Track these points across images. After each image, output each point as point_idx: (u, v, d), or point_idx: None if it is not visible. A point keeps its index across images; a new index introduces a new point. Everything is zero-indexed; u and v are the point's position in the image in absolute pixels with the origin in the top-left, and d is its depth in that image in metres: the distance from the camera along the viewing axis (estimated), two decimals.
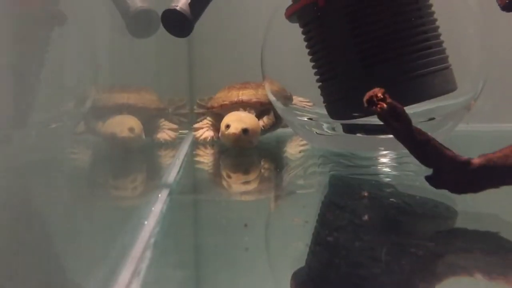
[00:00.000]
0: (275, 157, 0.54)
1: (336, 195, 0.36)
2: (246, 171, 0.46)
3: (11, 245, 0.26)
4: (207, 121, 0.58)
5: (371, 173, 0.42)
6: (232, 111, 0.54)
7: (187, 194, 0.38)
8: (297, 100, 0.48)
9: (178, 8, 0.40)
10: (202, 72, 0.74)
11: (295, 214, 0.32)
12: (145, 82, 0.60)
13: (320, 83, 0.42)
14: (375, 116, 0.29)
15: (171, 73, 0.70)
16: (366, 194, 0.35)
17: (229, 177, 0.43)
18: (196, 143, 0.57)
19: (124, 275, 0.23)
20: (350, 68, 0.38)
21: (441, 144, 0.30)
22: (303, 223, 0.29)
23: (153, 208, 0.32)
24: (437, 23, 0.39)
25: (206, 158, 0.53)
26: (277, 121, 0.56)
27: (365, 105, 0.28)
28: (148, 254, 0.25)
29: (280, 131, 0.62)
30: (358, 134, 0.43)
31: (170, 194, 0.35)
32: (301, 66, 0.45)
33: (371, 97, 0.28)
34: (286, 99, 0.49)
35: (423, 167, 0.30)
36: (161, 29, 0.42)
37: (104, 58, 0.51)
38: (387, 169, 0.43)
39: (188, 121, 0.67)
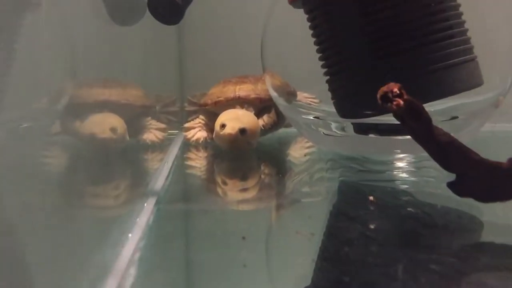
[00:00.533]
0: (276, 161, 0.54)
1: (346, 204, 0.36)
2: (244, 177, 0.46)
3: None
4: (199, 120, 0.58)
5: (386, 179, 0.42)
6: (228, 109, 0.54)
7: (177, 203, 0.38)
8: (301, 96, 0.48)
9: None
10: (194, 65, 0.74)
11: (300, 225, 0.32)
12: (129, 76, 0.60)
13: (328, 77, 0.42)
14: (391, 114, 0.29)
15: (158, 66, 0.70)
16: (372, 199, 0.35)
17: (225, 183, 0.43)
18: (187, 145, 0.57)
19: None
20: (362, 60, 0.38)
21: (465, 146, 0.30)
22: (309, 236, 0.29)
23: (138, 219, 0.31)
24: (461, 9, 0.39)
25: (198, 162, 0.53)
26: (279, 120, 0.56)
27: (379, 102, 0.28)
28: (132, 271, 0.25)
29: (282, 131, 0.61)
30: (371, 135, 0.43)
31: (157, 203, 0.35)
32: (306, 57, 0.45)
33: (386, 93, 0.28)
34: (290, 95, 0.49)
35: (445, 173, 0.30)
36: (148, 16, 0.42)
37: (82, 49, 0.51)
38: (404, 175, 0.43)
39: (178, 120, 0.67)
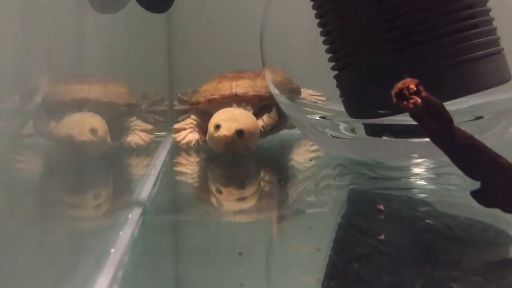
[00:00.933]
0: (278, 166, 0.54)
1: (356, 215, 0.36)
2: (241, 185, 0.46)
3: None
4: (191, 121, 0.58)
5: (401, 187, 0.42)
6: (223, 108, 0.54)
7: (165, 214, 0.38)
8: (306, 93, 0.48)
9: None
10: (185, 58, 0.74)
11: (304, 239, 0.32)
12: (111, 70, 0.60)
13: (336, 72, 0.42)
14: (407, 114, 0.29)
15: (145, 60, 0.70)
16: (382, 208, 0.35)
17: (220, 192, 0.43)
18: (177, 149, 0.57)
19: None
20: (375, 52, 0.38)
21: (491, 150, 0.29)
22: (314, 252, 0.29)
23: (121, 233, 0.31)
24: None
25: (189, 167, 0.53)
26: (281, 121, 0.56)
27: (394, 100, 0.28)
28: None
29: (284, 133, 0.61)
30: (385, 137, 0.43)
31: (143, 214, 0.35)
32: (311, 50, 0.45)
33: (402, 89, 0.28)
34: (293, 92, 0.49)
35: (468, 180, 0.30)
36: (133, 3, 0.42)
37: (59, 40, 0.51)
38: (422, 182, 0.43)
39: (166, 121, 0.67)
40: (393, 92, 0.28)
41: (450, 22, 0.37)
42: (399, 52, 0.38)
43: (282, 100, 0.49)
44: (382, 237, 0.31)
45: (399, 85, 0.28)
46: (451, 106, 0.34)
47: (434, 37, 0.37)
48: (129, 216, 0.34)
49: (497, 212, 0.30)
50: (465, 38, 0.37)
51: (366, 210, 0.37)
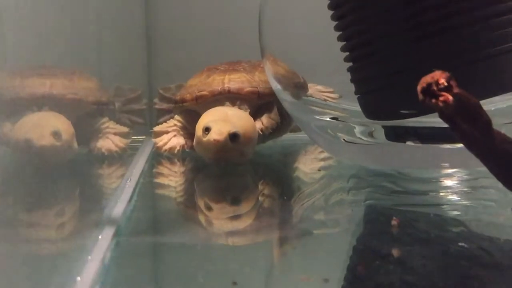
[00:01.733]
0: (280, 178, 0.54)
1: (374, 238, 0.36)
2: (235, 200, 0.46)
3: None
4: (174, 122, 0.58)
5: (429, 204, 0.42)
6: (213, 107, 0.54)
7: (144, 235, 0.37)
8: (314, 89, 0.48)
9: None
10: (167, 47, 0.74)
11: (310, 267, 0.32)
12: (78, 61, 0.60)
13: (351, 64, 0.42)
14: (436, 114, 0.29)
15: (119, 48, 0.70)
16: (396, 222, 0.35)
17: (209, 208, 0.43)
18: (158, 156, 0.57)
19: None
20: (398, 40, 0.39)
21: None
22: (321, 283, 0.29)
23: (89, 257, 0.31)
24: None
25: (173, 179, 0.53)
26: (284, 122, 0.57)
27: (421, 97, 0.28)
28: None
29: (288, 137, 0.61)
30: (409, 143, 0.43)
31: (116, 235, 0.35)
32: (320, 37, 0.45)
33: (430, 85, 0.28)
34: (298, 88, 0.49)
35: (510, 194, 0.30)
36: None
37: (14, 27, 0.51)
38: (454, 197, 0.43)
39: (145, 122, 0.67)
40: (419, 88, 0.28)
41: (485, 5, 0.37)
42: (426, 40, 0.38)
43: (285, 97, 0.49)
44: (407, 264, 0.31)
45: (427, 79, 0.28)
46: (489, 105, 0.34)
47: (469, 22, 0.37)
48: (100, 237, 0.34)
49: None
50: (503, 24, 0.37)
51: (386, 231, 0.36)
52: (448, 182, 0.45)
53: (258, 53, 0.50)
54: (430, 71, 0.29)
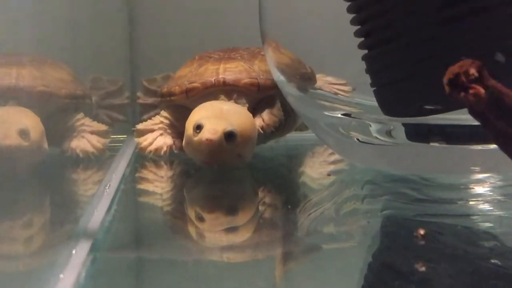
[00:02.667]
0: (283, 184, 0.54)
1: (393, 253, 0.36)
2: (231, 210, 0.46)
3: None
4: (161, 119, 0.58)
5: (457, 214, 0.42)
6: (206, 101, 0.54)
7: (125, 250, 0.37)
8: (323, 81, 0.48)
9: None
10: (152, 32, 0.74)
11: (319, 287, 0.32)
12: (49, 48, 0.60)
13: (366, 51, 0.42)
14: (465, 110, 0.29)
15: (97, 33, 0.70)
16: (422, 233, 0.35)
17: (201, 219, 0.43)
18: (142, 159, 0.57)
19: None
20: (421, 22, 0.39)
21: None
22: None
23: (61, 276, 0.31)
24: None
25: (159, 185, 0.53)
26: (288, 120, 0.57)
27: (447, 90, 0.28)
28: None
29: (292, 137, 0.61)
30: (434, 143, 0.43)
31: (93, 250, 0.35)
32: (331, 20, 0.45)
33: (458, 75, 0.28)
34: (304, 79, 0.49)
35: None
36: None
37: None
38: (485, 207, 0.43)
39: (127, 119, 0.66)
40: (445, 79, 0.28)
41: None
42: (456, 23, 0.38)
43: (289, 90, 0.49)
44: (432, 284, 0.31)
45: (455, 69, 0.28)
46: None
47: (499, 2, 0.37)
48: (73, 252, 0.34)
49: None
50: None
51: (407, 245, 0.36)
52: (479, 189, 0.45)
53: (258, 38, 0.50)
54: (459, 59, 0.29)
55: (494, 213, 0.42)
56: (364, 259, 0.35)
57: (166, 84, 0.59)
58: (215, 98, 0.55)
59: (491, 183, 0.45)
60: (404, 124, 0.44)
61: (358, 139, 0.46)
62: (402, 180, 0.47)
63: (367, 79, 0.42)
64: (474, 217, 0.41)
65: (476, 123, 0.29)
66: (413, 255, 0.35)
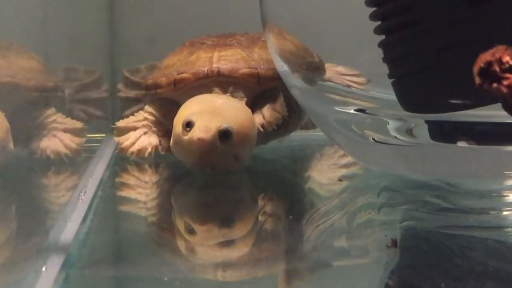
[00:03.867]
0: (287, 190, 0.54)
1: (414, 271, 0.36)
2: (226, 220, 0.46)
3: None
4: (145, 115, 0.58)
5: (488, 226, 0.42)
6: (198, 94, 0.54)
7: (102, 266, 0.37)
8: (333, 71, 0.48)
9: None
10: (135, 13, 0.74)
11: None
12: (15, 33, 0.60)
13: (383, 37, 0.42)
14: (498, 104, 0.29)
15: (71, 16, 0.70)
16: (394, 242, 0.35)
17: (191, 232, 0.43)
18: (123, 161, 0.57)
19: None
20: (446, 4, 0.38)
21: None
22: None
23: None
24: None
25: (142, 191, 0.53)
26: (292, 116, 0.57)
27: (478, 81, 0.28)
28: None
29: (298, 136, 0.61)
30: (462, 144, 0.43)
31: (66, 266, 0.35)
32: (341, 1, 0.45)
33: (490, 64, 0.28)
34: (312, 69, 0.49)
35: None
36: None
37: None
38: None
39: (105, 115, 0.66)
40: (475, 69, 0.28)
41: None
42: (488, 4, 0.38)
43: (294, 82, 0.49)
44: None
45: (486, 57, 0.28)
46: None
47: None
48: (44, 269, 0.34)
49: None
50: None
51: (431, 262, 0.36)
52: None
53: (258, 21, 0.50)
54: (490, 46, 0.29)
55: None
56: (381, 278, 0.35)
57: (151, 74, 0.59)
58: (208, 91, 0.55)
59: None
60: (427, 122, 0.44)
61: (373, 139, 0.46)
62: (425, 187, 0.47)
63: (384, 69, 0.42)
64: (508, 230, 0.41)
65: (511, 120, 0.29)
66: (437, 273, 0.35)
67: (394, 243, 0.36)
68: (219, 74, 0.55)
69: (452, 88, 0.39)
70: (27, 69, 0.57)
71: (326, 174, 0.57)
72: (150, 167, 0.56)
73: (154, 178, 0.55)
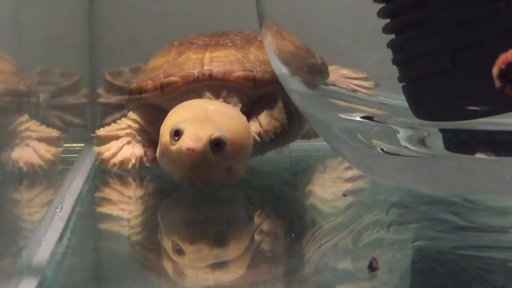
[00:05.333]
0: (286, 206, 0.54)
1: None
2: (219, 240, 0.46)
3: None
4: (128, 123, 0.58)
5: (508, 246, 0.42)
6: (187, 100, 0.54)
7: None
8: (338, 74, 0.48)
9: None
10: (118, 10, 0.74)
11: None
12: None
13: (393, 36, 0.42)
14: None
15: (46, 13, 0.70)
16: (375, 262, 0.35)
17: (180, 252, 0.43)
18: (104, 174, 0.57)
19: None
20: (462, 0, 0.39)
21: None
22: None
23: None
24: None
25: (126, 208, 0.53)
26: (292, 124, 0.57)
27: (498, 84, 0.28)
28: None
29: (298, 146, 0.61)
30: (480, 155, 0.43)
31: None
32: None
33: (511, 66, 0.28)
34: (314, 72, 0.49)
35: None
36: None
37: None
38: None
39: (84, 123, 0.66)
40: (495, 71, 0.28)
41: None
42: (507, 0, 0.38)
43: (294, 86, 0.49)
44: None
45: (508, 57, 0.28)
46: None
47: None
48: None
49: None
50: None
51: (446, 286, 0.37)
52: None
53: (254, 19, 0.50)
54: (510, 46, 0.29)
55: None
56: None
57: (136, 78, 0.60)
58: (199, 96, 0.55)
59: None
60: (441, 130, 0.44)
61: (382, 149, 0.46)
62: (439, 202, 0.47)
63: (394, 71, 0.42)
64: None
65: None
66: None
67: (374, 263, 0.35)
68: (211, 77, 0.55)
69: (469, 93, 0.39)
70: None
71: (329, 189, 0.57)
72: (134, 180, 0.56)
73: (139, 192, 0.55)
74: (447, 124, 0.44)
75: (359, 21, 0.45)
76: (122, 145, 0.57)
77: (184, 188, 0.52)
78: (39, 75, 0.65)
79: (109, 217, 0.51)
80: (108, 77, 0.66)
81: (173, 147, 0.49)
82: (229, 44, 0.57)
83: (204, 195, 0.52)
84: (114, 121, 0.59)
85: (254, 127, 0.54)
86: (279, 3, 0.49)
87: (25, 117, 0.58)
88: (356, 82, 0.48)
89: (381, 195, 0.51)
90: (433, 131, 0.44)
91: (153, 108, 0.57)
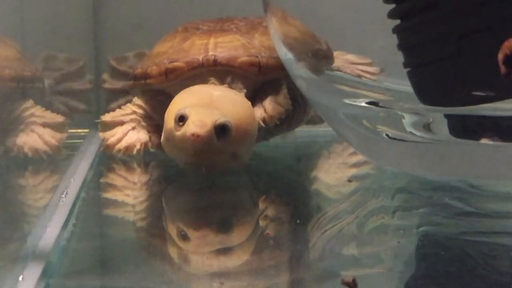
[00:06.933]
0: (291, 192, 0.54)
1: (431, 282, 0.36)
2: (223, 226, 0.46)
3: None
4: (133, 109, 0.58)
5: None
6: (192, 85, 0.54)
7: (85, 276, 0.37)
8: (343, 60, 0.48)
9: None
10: None
11: None
12: None
13: (398, 22, 0.42)
14: None
15: (52, 0, 0.70)
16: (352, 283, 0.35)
17: (185, 238, 0.43)
18: (109, 159, 0.57)
19: None
20: None
21: None
22: None
23: None
24: None
25: (130, 193, 0.53)
26: (297, 110, 0.57)
27: (503, 70, 0.28)
28: None
29: (303, 132, 0.61)
30: (485, 140, 0.43)
31: (45, 276, 0.35)
32: None
33: None
34: (319, 57, 0.49)
35: None
36: None
37: None
38: None
39: (89, 109, 0.66)
40: (501, 57, 0.28)
41: None
42: None
43: (299, 72, 0.49)
44: None
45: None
46: None
47: None
48: (20, 279, 0.34)
49: None
50: None
51: (449, 271, 0.36)
52: None
53: (259, 5, 0.50)
54: None
55: None
56: None
57: (140, 63, 0.59)
58: (204, 81, 0.55)
59: None
60: (446, 116, 0.44)
61: (387, 135, 0.46)
62: (444, 188, 0.47)
63: (399, 57, 0.42)
64: None
65: None
66: (458, 285, 0.35)
67: (352, 283, 0.35)
68: (215, 63, 0.55)
69: (475, 79, 0.39)
70: (2, 57, 0.57)
71: (334, 175, 0.57)
72: (139, 166, 0.56)
73: (143, 178, 0.55)
74: (453, 109, 0.43)
75: (365, 7, 0.45)
76: (127, 130, 0.57)
77: (188, 174, 0.52)
78: (44, 60, 0.65)
79: (114, 203, 0.51)
80: (113, 63, 0.65)
81: (178, 133, 0.48)
82: (234, 29, 0.57)
83: (208, 181, 0.52)
84: (119, 107, 0.59)
85: (259, 112, 0.54)
86: None
87: (30, 102, 0.58)
88: (361, 67, 0.48)
89: (386, 180, 0.51)
90: (438, 116, 0.44)
91: (158, 93, 0.57)
